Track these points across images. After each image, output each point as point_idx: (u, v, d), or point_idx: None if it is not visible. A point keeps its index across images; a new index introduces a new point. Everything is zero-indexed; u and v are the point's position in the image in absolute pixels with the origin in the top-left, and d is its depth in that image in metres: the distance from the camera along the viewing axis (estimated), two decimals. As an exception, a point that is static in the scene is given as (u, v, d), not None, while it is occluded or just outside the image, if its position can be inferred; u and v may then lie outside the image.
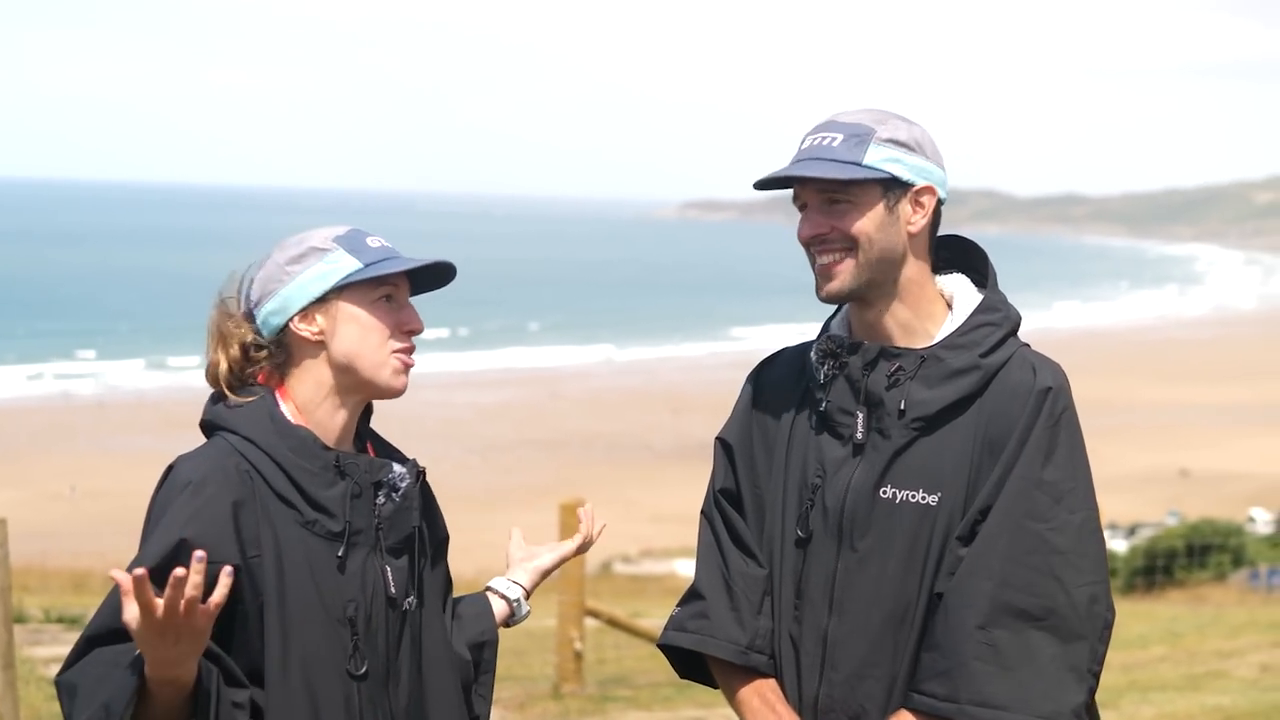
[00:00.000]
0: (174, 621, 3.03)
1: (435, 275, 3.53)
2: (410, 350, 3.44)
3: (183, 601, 3.01)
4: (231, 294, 3.47)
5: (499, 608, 3.72)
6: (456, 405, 65.98)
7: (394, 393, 3.44)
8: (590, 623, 13.70)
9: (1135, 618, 19.88)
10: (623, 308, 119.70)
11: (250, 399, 3.39)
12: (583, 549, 3.90)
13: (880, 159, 3.45)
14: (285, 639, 3.30)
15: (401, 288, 3.45)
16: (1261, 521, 44.07)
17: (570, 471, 51.30)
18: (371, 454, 3.51)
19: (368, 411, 3.56)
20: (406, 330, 3.43)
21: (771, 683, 3.56)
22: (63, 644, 15.57)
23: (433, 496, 3.62)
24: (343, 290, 3.40)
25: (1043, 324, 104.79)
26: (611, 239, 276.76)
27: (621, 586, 28.03)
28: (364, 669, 3.35)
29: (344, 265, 3.40)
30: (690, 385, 77.64)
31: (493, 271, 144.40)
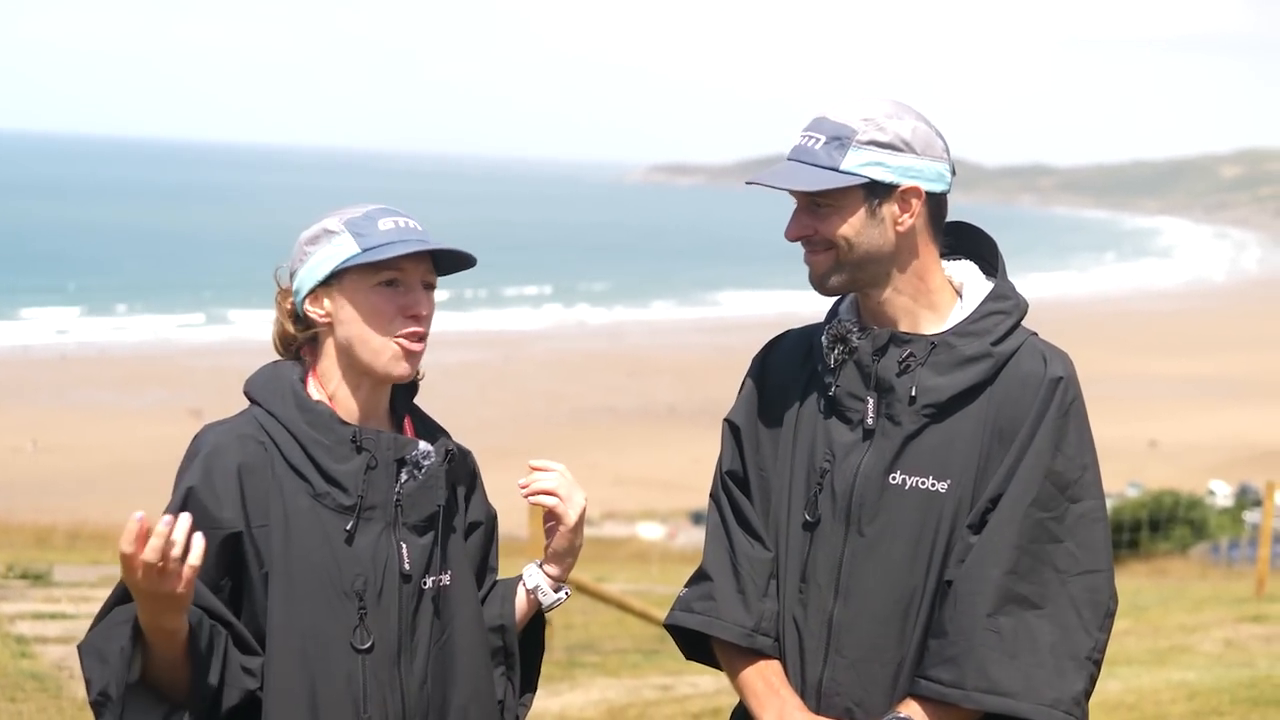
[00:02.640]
0: (153, 569, 3.07)
1: (450, 262, 3.49)
2: (415, 335, 3.41)
3: (162, 551, 3.07)
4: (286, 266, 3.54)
5: (520, 596, 3.66)
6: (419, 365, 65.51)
7: (395, 378, 3.43)
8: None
9: (1098, 590, 19.84)
10: (588, 270, 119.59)
11: (281, 372, 3.46)
12: (557, 518, 3.64)
13: (859, 164, 3.44)
14: (289, 609, 3.32)
15: (410, 271, 3.41)
16: (1221, 495, 44.35)
17: (533, 433, 51.28)
18: (409, 432, 3.51)
19: (412, 390, 3.57)
20: (410, 315, 3.40)
21: (775, 665, 3.56)
22: (29, 600, 15.50)
23: (476, 478, 3.63)
24: (344, 274, 3.40)
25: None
26: (577, 201, 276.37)
27: (585, 550, 27.87)
28: (369, 643, 3.34)
29: (344, 250, 3.40)
30: (655, 349, 77.67)
31: (458, 232, 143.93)
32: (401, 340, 3.40)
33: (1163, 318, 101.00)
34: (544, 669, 12.14)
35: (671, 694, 11.95)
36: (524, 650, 3.66)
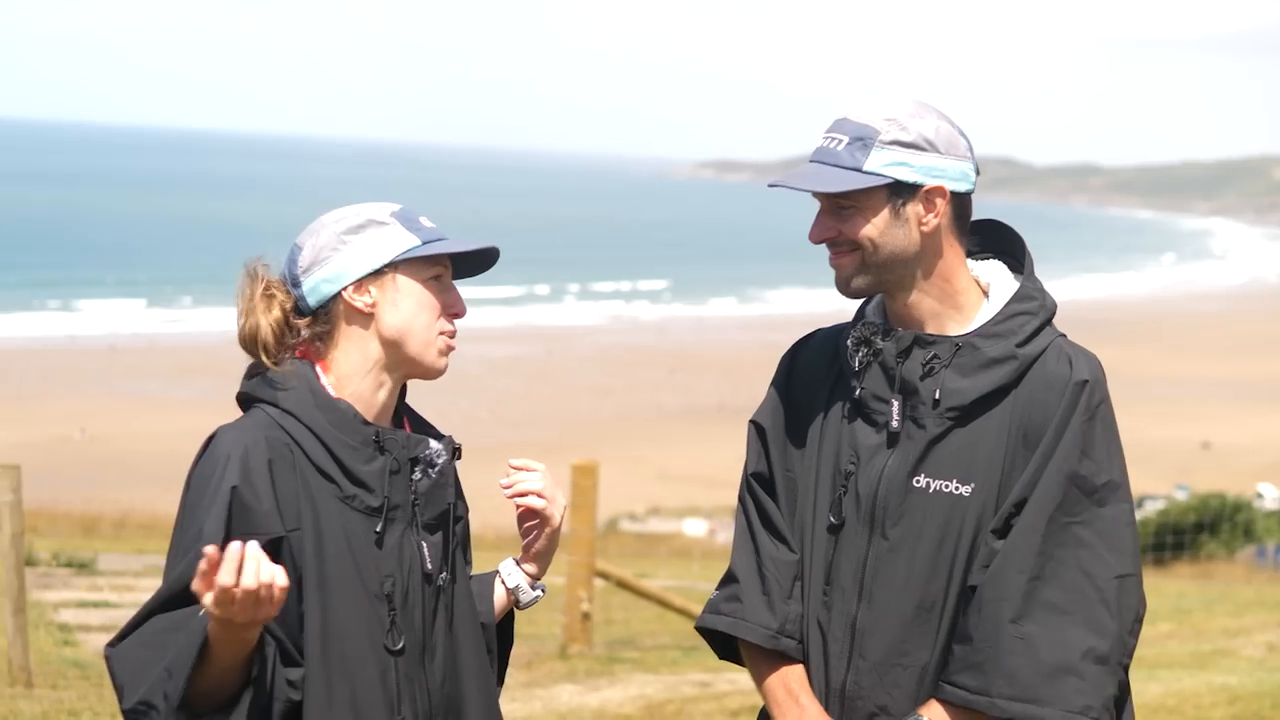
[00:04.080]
0: (252, 595, 2.99)
1: (476, 261, 3.51)
2: (453, 333, 3.44)
3: (259, 586, 2.98)
4: (265, 261, 3.44)
5: (499, 593, 3.65)
6: (466, 358, 65.79)
7: (435, 373, 3.44)
8: (598, 583, 13.72)
9: (1143, 592, 19.79)
10: (635, 265, 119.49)
11: (289, 371, 3.37)
12: (542, 519, 3.61)
13: (882, 164, 3.41)
14: (324, 614, 3.29)
15: (449, 269, 3.45)
16: (1270, 498, 44.05)
17: (578, 428, 51.28)
18: (408, 429, 3.50)
19: (403, 388, 3.56)
20: (452, 313, 3.43)
21: (798, 670, 3.55)
22: (73, 588, 15.60)
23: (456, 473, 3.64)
24: (399, 265, 3.38)
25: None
26: (624, 197, 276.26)
27: (628, 545, 28.03)
28: (401, 644, 3.34)
29: (403, 240, 3.38)
30: (702, 345, 77.58)
31: (505, 226, 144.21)
32: (445, 336, 3.42)
33: (1218, 319, 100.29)
34: (583, 664, 12.12)
35: (710, 690, 11.94)
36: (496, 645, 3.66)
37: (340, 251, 3.37)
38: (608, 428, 52.61)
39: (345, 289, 3.37)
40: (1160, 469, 47.38)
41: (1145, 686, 11.61)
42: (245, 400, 3.41)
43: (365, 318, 3.38)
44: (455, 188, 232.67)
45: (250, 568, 2.96)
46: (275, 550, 3.23)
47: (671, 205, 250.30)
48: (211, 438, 3.32)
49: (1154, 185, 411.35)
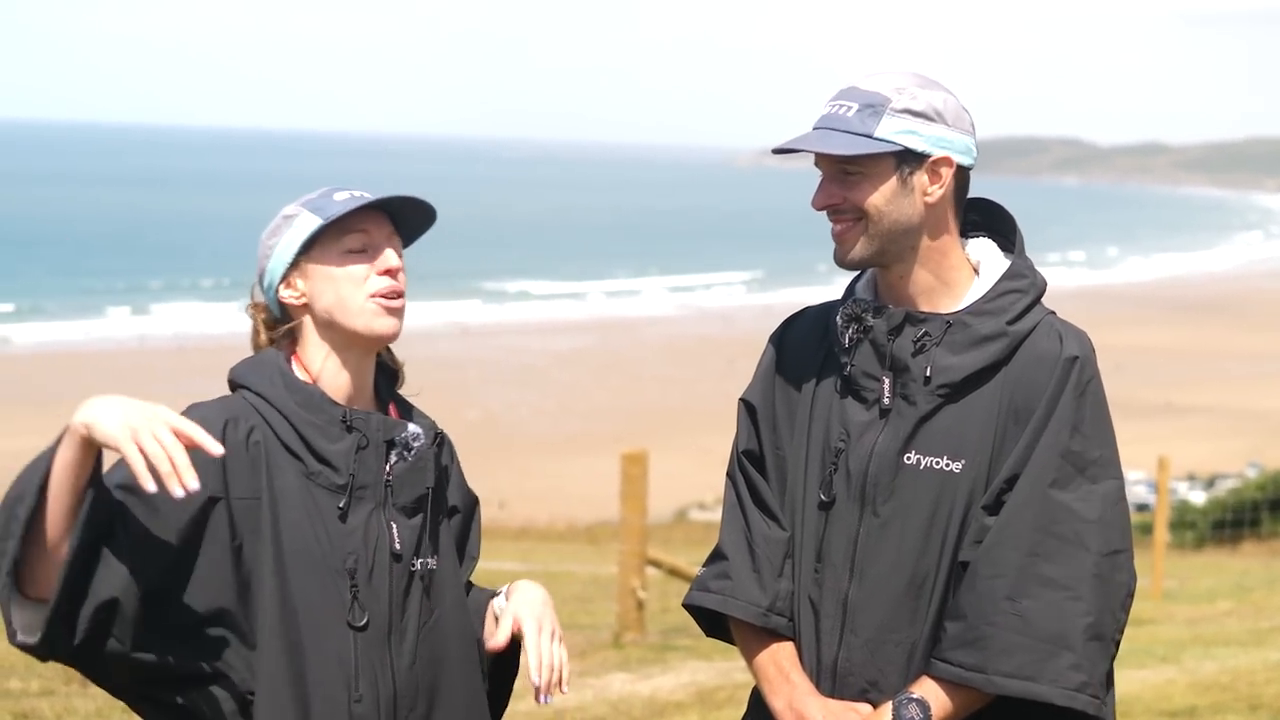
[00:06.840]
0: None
1: (417, 220, 3.54)
2: (391, 291, 3.44)
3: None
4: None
5: (489, 623, 3.64)
6: (533, 351, 65.92)
7: (382, 338, 3.46)
8: (654, 572, 13.72)
9: (1205, 571, 19.73)
10: (702, 255, 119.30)
11: (264, 359, 3.49)
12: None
13: (893, 131, 3.41)
14: (282, 586, 3.33)
15: (374, 232, 3.46)
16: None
17: (645, 418, 51.30)
18: (394, 415, 3.54)
19: (393, 376, 3.61)
20: (382, 271, 3.44)
21: (788, 647, 3.55)
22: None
23: (454, 463, 3.65)
24: (310, 250, 3.46)
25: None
26: (688, 186, 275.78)
27: (695, 534, 28.01)
28: (364, 621, 3.37)
29: (306, 226, 3.45)
30: (768, 333, 77.44)
31: (567, 219, 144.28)
32: (378, 299, 3.44)
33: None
34: (637, 652, 12.11)
35: (764, 677, 11.94)
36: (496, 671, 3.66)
37: (268, 258, 3.50)
38: (675, 418, 52.55)
39: (278, 289, 3.49)
40: (1241, 446, 47.01)
41: (1200, 664, 11.56)
42: (231, 385, 3.52)
43: (304, 309, 3.49)
44: (519, 182, 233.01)
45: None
46: (204, 509, 3.27)
47: (740, 194, 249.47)
48: (185, 412, 3.38)
49: (1221, 163, 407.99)
